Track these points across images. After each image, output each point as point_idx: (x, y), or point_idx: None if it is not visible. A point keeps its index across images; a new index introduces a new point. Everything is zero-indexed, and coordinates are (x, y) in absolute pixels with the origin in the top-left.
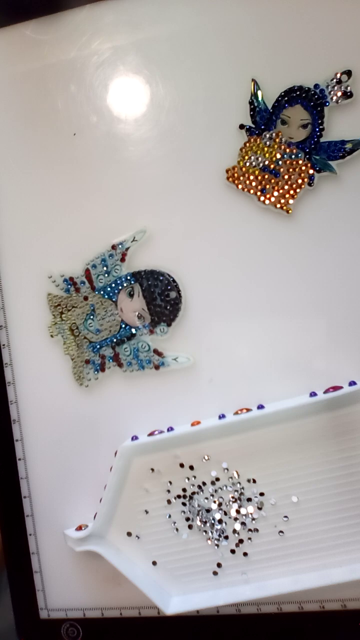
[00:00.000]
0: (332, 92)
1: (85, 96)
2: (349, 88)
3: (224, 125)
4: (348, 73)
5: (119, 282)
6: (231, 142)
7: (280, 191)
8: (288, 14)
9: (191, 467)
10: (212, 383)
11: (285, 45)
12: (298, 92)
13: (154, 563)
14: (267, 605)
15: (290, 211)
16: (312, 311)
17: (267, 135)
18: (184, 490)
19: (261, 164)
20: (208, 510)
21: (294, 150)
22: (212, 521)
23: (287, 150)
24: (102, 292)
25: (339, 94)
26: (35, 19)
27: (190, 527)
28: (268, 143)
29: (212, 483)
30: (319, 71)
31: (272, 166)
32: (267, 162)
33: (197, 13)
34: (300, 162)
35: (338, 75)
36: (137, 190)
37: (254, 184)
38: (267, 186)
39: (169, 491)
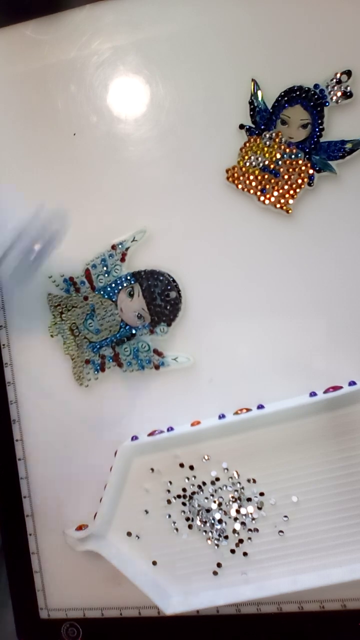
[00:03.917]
0: (332, 92)
1: (85, 96)
2: (348, 88)
3: (224, 125)
4: (348, 73)
5: (119, 282)
6: (231, 142)
7: (280, 191)
8: (288, 14)
9: (191, 467)
10: (212, 383)
11: (285, 45)
12: (298, 92)
13: (154, 563)
14: (267, 605)
15: (290, 211)
16: (312, 311)
17: (267, 135)
18: (184, 490)
19: (261, 164)
20: (208, 510)
21: (294, 150)
22: (212, 521)
23: (287, 150)
24: (102, 292)
25: (339, 94)
26: (35, 19)
27: (190, 527)
28: (268, 143)
29: (212, 483)
30: (319, 71)
31: (272, 166)
32: (267, 162)
33: (197, 13)
34: (300, 162)
35: (338, 75)
36: (137, 190)
37: (254, 184)
38: (267, 186)
39: (169, 491)
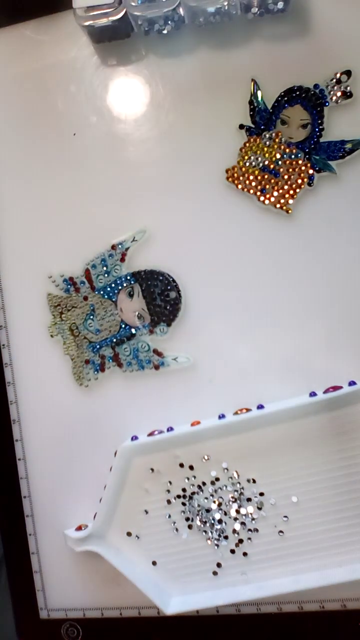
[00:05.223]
0: (332, 92)
1: (85, 96)
2: (348, 88)
3: (224, 125)
4: (348, 73)
5: (118, 282)
6: (231, 142)
7: (280, 191)
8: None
9: (191, 467)
10: (212, 383)
11: (285, 45)
12: (298, 92)
13: (154, 563)
14: (267, 605)
15: (290, 211)
16: (312, 311)
17: (267, 135)
18: (184, 490)
19: (261, 164)
20: (208, 510)
21: (294, 150)
22: (212, 521)
23: (287, 150)
24: (102, 292)
25: (339, 94)
26: (35, 19)
27: (190, 527)
28: (268, 143)
29: (212, 483)
30: (319, 71)
31: (271, 166)
32: (266, 162)
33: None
34: (300, 162)
35: (338, 75)
36: (137, 190)
37: (253, 184)
38: (267, 186)
39: (169, 491)
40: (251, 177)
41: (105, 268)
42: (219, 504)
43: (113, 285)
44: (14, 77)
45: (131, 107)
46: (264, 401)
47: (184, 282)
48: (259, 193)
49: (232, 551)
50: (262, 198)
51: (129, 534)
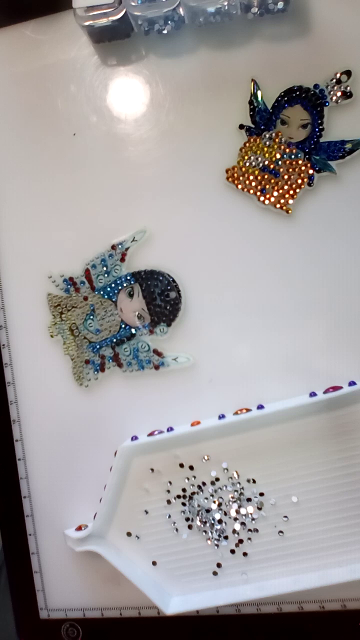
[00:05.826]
0: (332, 92)
1: (85, 96)
2: (348, 88)
3: (224, 125)
4: (348, 73)
5: (118, 282)
6: (231, 142)
7: (280, 191)
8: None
9: (191, 467)
10: (212, 383)
11: (285, 45)
12: (298, 92)
13: (154, 563)
14: (267, 605)
15: (290, 211)
16: (312, 311)
17: (267, 135)
18: (184, 490)
19: (261, 164)
20: (208, 511)
21: (294, 150)
22: (212, 521)
23: (287, 150)
24: (102, 292)
25: (339, 94)
26: (35, 19)
27: (190, 527)
28: (268, 143)
29: (212, 483)
30: (319, 71)
31: (271, 166)
32: (266, 162)
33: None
34: (300, 162)
35: (338, 75)
36: (137, 190)
37: (253, 184)
38: (267, 186)
39: (169, 491)
40: (251, 177)
41: (105, 268)
42: (219, 504)
43: (113, 285)
44: (14, 77)
45: (131, 107)
46: (264, 401)
47: (184, 282)
48: (259, 193)
49: (232, 551)
50: (262, 198)
51: (129, 534)
